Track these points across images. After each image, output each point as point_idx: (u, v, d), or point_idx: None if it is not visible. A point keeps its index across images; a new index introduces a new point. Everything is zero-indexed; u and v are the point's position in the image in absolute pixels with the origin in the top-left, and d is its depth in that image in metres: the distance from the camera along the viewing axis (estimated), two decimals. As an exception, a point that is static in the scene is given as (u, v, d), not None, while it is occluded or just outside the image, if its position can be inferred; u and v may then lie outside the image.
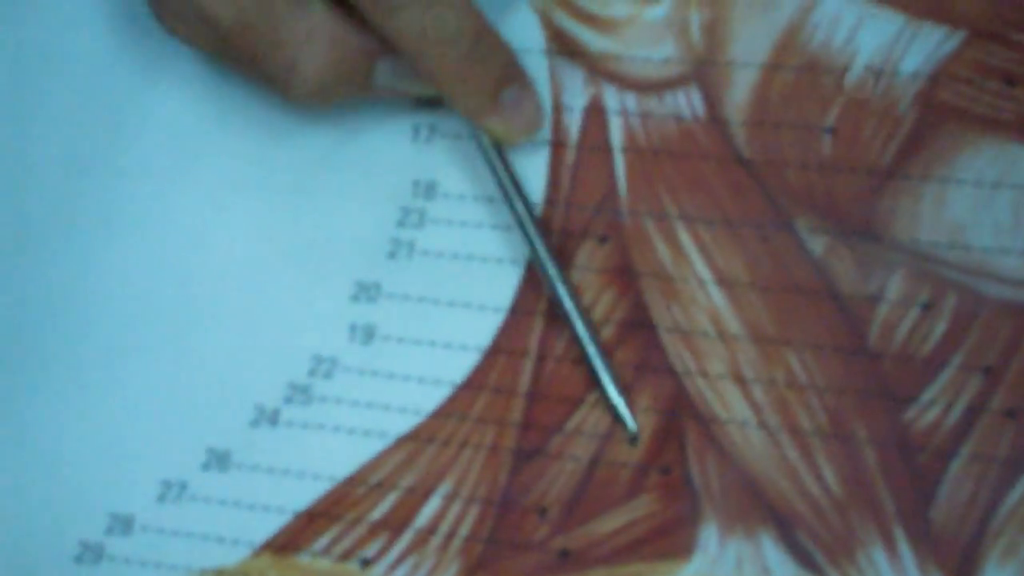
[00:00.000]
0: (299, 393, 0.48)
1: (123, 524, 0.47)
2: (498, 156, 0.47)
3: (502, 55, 0.46)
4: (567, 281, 0.45)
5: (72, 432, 0.48)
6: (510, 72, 0.47)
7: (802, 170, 0.46)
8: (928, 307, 0.44)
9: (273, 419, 0.47)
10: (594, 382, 0.45)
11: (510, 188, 0.46)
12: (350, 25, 0.45)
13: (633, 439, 0.45)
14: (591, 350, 0.45)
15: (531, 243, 0.46)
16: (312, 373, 0.48)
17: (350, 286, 0.48)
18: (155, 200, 0.50)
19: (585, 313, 0.45)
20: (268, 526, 0.47)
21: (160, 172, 0.50)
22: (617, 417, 0.45)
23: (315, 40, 0.45)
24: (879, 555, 0.43)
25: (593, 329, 0.45)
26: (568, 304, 0.45)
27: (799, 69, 0.47)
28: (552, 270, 0.46)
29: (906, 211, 0.45)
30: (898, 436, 0.44)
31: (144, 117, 0.51)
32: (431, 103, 0.49)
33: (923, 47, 0.46)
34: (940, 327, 0.44)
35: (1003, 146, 0.45)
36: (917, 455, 0.43)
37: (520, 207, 0.46)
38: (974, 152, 0.45)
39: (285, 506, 0.47)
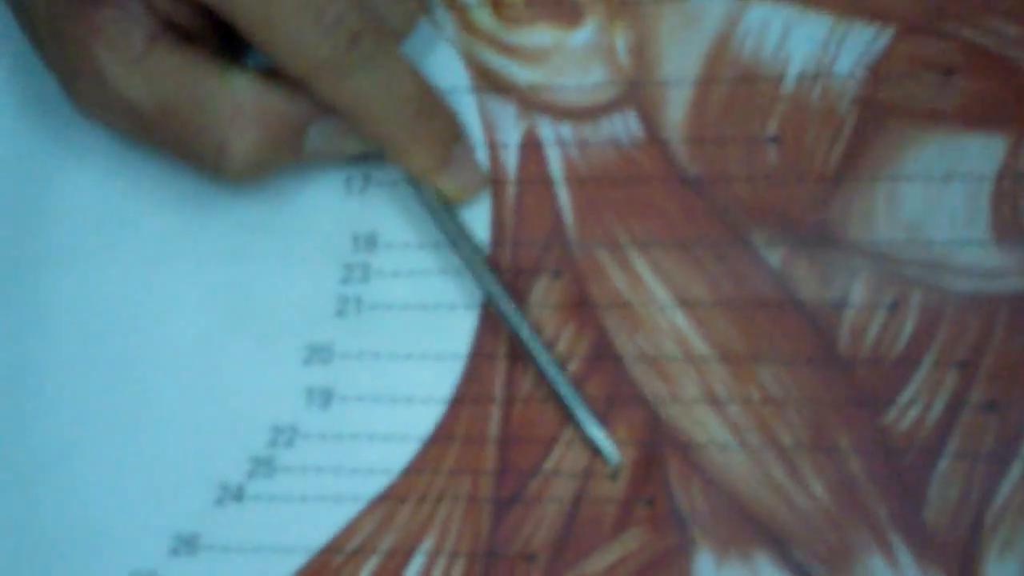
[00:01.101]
0: (262, 466, 0.46)
1: (96, 623, 0.45)
2: (444, 211, 0.46)
3: (447, 112, 0.46)
4: (526, 319, 0.44)
5: (31, 533, 0.46)
6: (456, 129, 0.46)
7: (750, 183, 0.46)
8: (894, 307, 0.44)
9: (238, 495, 0.46)
10: (567, 418, 0.44)
11: (459, 239, 0.45)
12: (277, 94, 0.44)
13: (616, 472, 0.44)
14: (561, 386, 0.44)
15: (487, 290, 0.45)
16: (273, 444, 0.46)
17: (301, 350, 0.47)
18: (85, 284, 0.48)
19: (549, 349, 0.44)
20: (248, 607, 0.45)
21: (86, 254, 0.49)
22: (597, 451, 0.44)
23: (242, 116, 0.44)
24: (877, 563, 0.43)
25: (559, 365, 0.44)
26: (530, 343, 0.44)
27: (734, 81, 0.46)
28: (510, 311, 0.44)
29: (860, 213, 0.45)
30: (881, 441, 0.43)
31: (61, 199, 0.49)
32: (363, 157, 0.47)
33: (855, 47, 0.46)
34: (908, 326, 0.44)
35: (948, 137, 0.45)
36: (902, 458, 0.43)
37: (471, 255, 0.45)
38: (920, 146, 0.45)
39: (262, 584, 0.45)
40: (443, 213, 0.46)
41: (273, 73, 0.44)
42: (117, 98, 0.43)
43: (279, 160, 0.45)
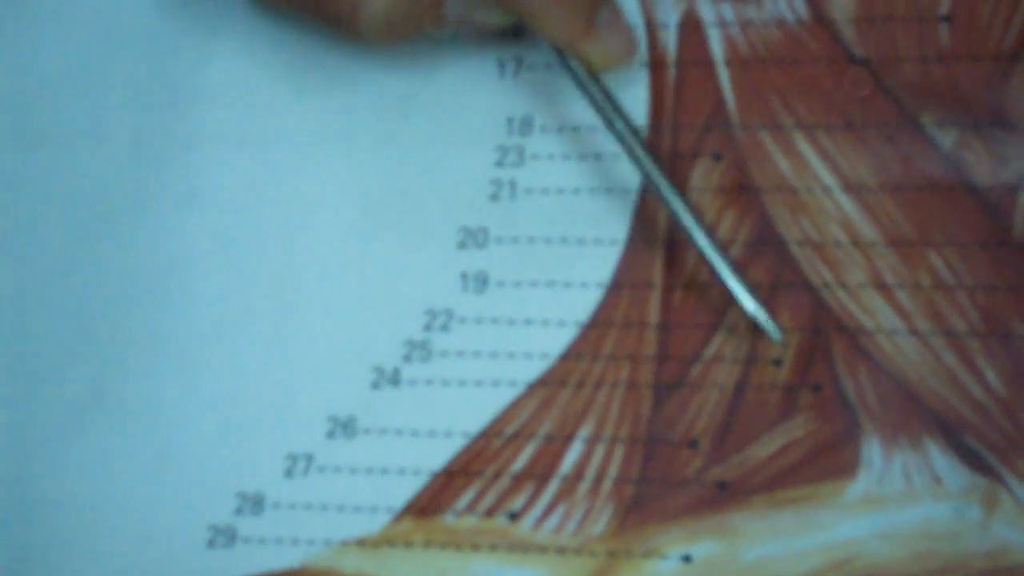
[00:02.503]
0: (417, 350, 0.46)
1: (253, 503, 0.45)
2: (594, 83, 0.44)
3: None
4: (685, 199, 0.43)
5: (188, 415, 0.46)
6: None
7: (921, 63, 0.44)
8: (1073, 190, 0.43)
9: (394, 379, 0.46)
10: (728, 300, 0.43)
11: (611, 114, 0.44)
12: None
13: (780, 350, 0.43)
14: (720, 265, 0.43)
15: (641, 167, 0.44)
16: (428, 328, 0.46)
17: (455, 233, 0.46)
18: (236, 166, 0.48)
19: (709, 230, 0.43)
20: (406, 489, 0.45)
21: (235, 137, 0.48)
22: (759, 329, 0.43)
23: None
24: (1053, 451, 0.41)
25: (719, 245, 0.43)
26: (688, 222, 0.43)
27: (903, -42, 0.45)
28: (667, 190, 0.43)
29: (1037, 94, 0.43)
30: (1058, 327, 0.42)
31: (209, 83, 0.49)
32: (508, 33, 0.47)
33: (1033, -79, 0.44)
34: (1088, 210, 0.42)
35: None
36: (1080, 344, 0.42)
37: (625, 132, 0.44)
38: (1102, 25, 0.43)
39: (420, 467, 0.45)
40: (596, 91, 0.44)
41: None
42: None
43: (416, 24, 0.44)
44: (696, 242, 0.43)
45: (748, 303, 0.43)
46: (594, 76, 0.45)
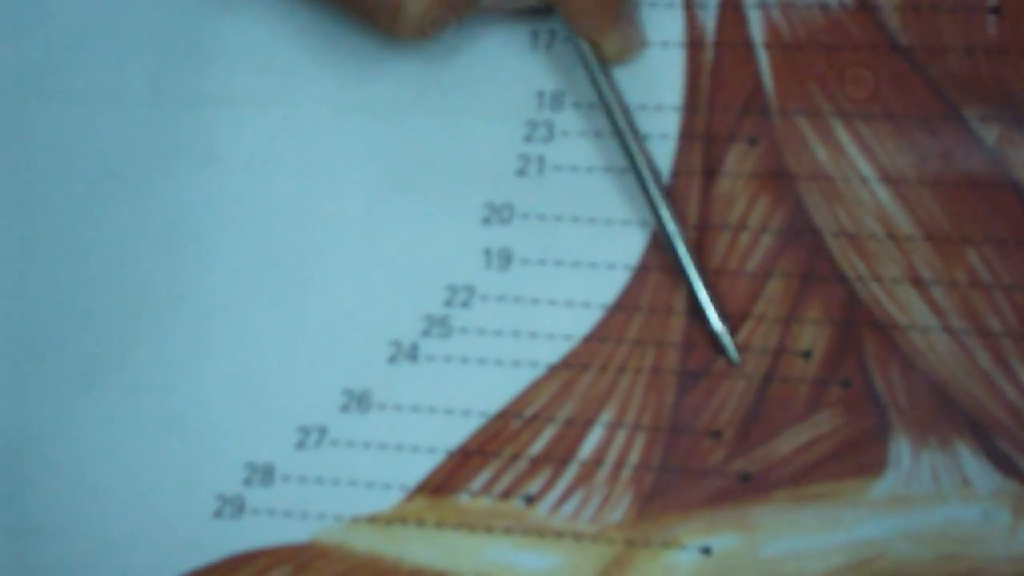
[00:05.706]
0: (437, 325, 0.45)
1: (262, 474, 0.44)
2: (603, 74, 0.44)
3: None
4: (666, 198, 0.43)
5: (198, 381, 0.45)
6: None
7: (967, 55, 0.43)
8: (1118, 192, 0.42)
9: (412, 354, 0.44)
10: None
11: (613, 104, 0.44)
12: None
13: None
14: (694, 278, 0.43)
15: (627, 151, 0.44)
16: (449, 303, 0.45)
17: (480, 208, 0.45)
18: (257, 127, 0.47)
19: (684, 236, 0.43)
20: (420, 467, 0.44)
21: (257, 97, 0.47)
22: (719, 349, 0.42)
23: None
24: (1087, 458, 0.41)
25: (693, 254, 0.43)
26: (669, 224, 0.43)
27: (953, -53, 0.44)
28: (650, 184, 0.43)
29: (1085, 92, 0.42)
30: (1096, 331, 0.41)
31: (230, 40, 0.48)
32: (536, 12, 0.45)
33: (1088, -86, 0.43)
34: None
35: None
36: (1119, 350, 0.41)
37: (621, 118, 0.44)
38: None
39: (436, 445, 0.44)
40: (604, 83, 0.44)
41: None
42: None
43: (453, 18, 0.43)
44: (673, 247, 0.43)
45: (715, 321, 0.42)
46: (604, 67, 0.44)
